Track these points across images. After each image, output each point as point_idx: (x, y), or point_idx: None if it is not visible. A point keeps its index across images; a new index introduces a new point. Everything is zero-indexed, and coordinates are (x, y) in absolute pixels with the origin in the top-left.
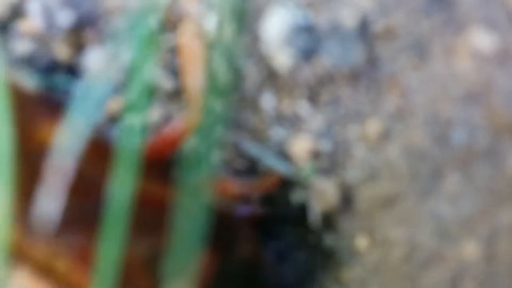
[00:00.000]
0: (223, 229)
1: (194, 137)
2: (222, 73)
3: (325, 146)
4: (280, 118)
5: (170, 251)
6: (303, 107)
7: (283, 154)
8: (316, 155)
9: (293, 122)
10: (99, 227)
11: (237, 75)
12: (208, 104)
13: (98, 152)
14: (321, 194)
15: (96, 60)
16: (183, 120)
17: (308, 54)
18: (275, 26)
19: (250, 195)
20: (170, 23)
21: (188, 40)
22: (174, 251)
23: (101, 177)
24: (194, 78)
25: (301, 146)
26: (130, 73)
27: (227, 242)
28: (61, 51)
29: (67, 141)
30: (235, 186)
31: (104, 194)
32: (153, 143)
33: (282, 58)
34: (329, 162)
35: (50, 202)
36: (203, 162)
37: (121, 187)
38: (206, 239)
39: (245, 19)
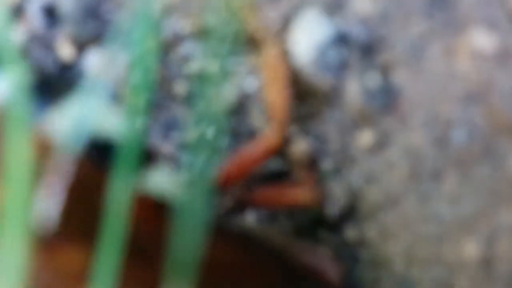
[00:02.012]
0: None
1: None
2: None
3: (326, 148)
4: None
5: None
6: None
7: (285, 159)
8: (317, 158)
9: (293, 125)
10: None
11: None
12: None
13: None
14: (329, 197)
15: (96, 61)
16: (263, 140)
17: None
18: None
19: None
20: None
21: (273, 58)
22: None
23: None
24: (279, 96)
25: (301, 148)
26: (130, 75)
27: None
28: (62, 52)
29: (67, 141)
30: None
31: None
32: (228, 166)
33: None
34: (330, 164)
35: (50, 202)
36: (204, 176)
37: (121, 186)
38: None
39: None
